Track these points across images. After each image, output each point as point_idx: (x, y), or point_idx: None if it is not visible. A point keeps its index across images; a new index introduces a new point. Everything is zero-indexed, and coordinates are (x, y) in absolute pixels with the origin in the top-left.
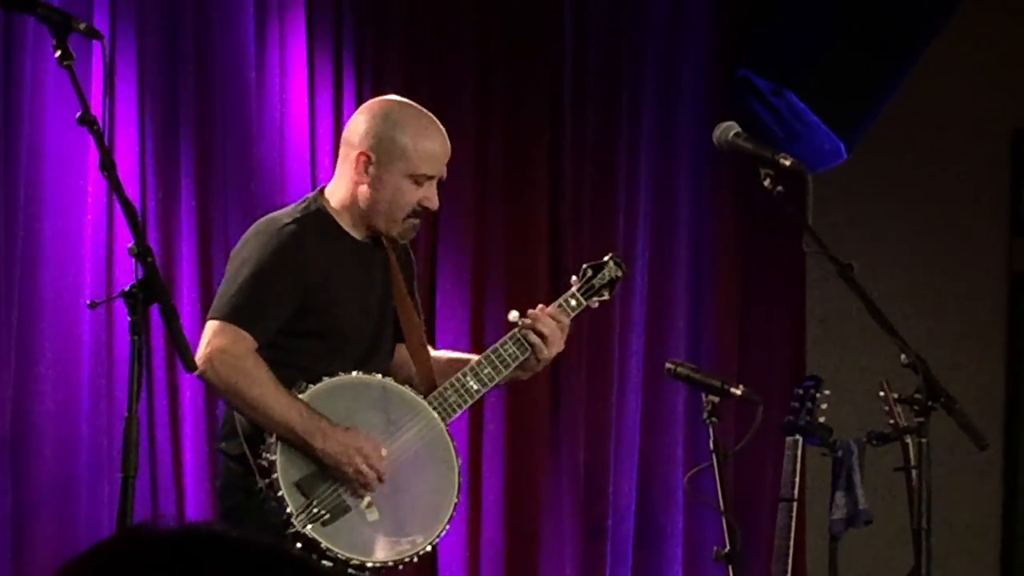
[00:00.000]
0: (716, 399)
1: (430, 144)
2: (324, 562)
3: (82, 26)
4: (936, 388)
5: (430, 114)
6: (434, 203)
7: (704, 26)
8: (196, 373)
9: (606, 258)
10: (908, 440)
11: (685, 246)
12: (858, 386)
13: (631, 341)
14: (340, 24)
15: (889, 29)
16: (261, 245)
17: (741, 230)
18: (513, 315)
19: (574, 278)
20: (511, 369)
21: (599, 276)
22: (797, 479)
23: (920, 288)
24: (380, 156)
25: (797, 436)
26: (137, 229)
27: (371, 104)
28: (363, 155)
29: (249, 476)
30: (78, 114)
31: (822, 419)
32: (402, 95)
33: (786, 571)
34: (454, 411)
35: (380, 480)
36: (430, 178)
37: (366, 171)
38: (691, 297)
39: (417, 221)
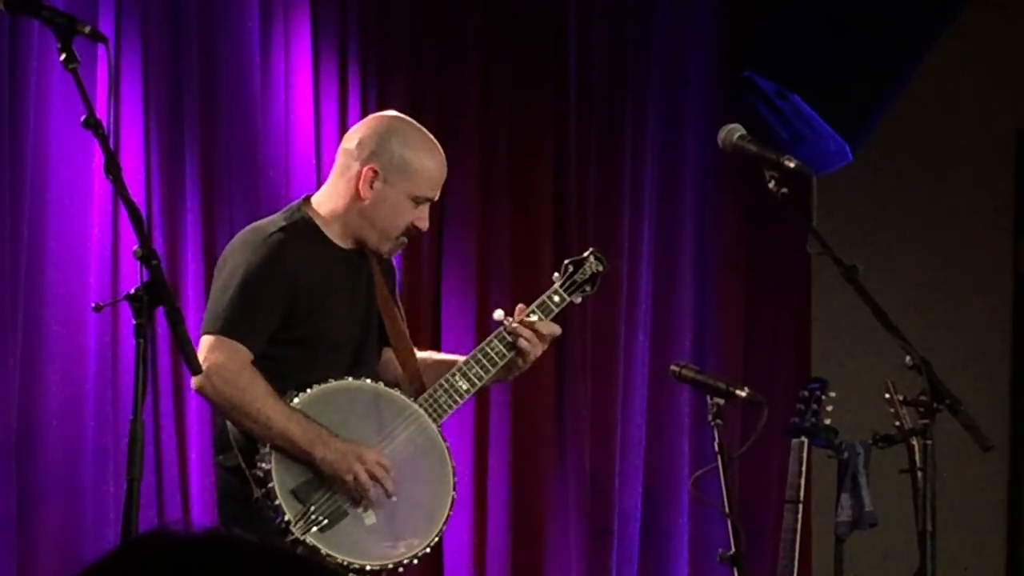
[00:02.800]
0: (721, 401)
1: (436, 168)
2: None
3: (87, 29)
4: (941, 389)
5: (432, 136)
6: (425, 225)
7: (709, 27)
8: (194, 389)
9: (586, 253)
10: (913, 442)
11: (690, 248)
12: (863, 388)
13: (636, 343)
14: (345, 29)
15: (893, 30)
16: (249, 255)
17: (746, 232)
18: (498, 314)
19: (556, 275)
20: (499, 368)
21: (580, 272)
22: (802, 481)
23: (925, 289)
24: (389, 174)
25: (802, 438)
26: (142, 232)
27: (378, 119)
28: (372, 170)
29: (245, 487)
30: (83, 117)
31: (827, 421)
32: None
33: (791, 573)
34: (445, 412)
35: (389, 496)
36: (427, 200)
37: (371, 186)
38: (696, 299)
39: (406, 240)
